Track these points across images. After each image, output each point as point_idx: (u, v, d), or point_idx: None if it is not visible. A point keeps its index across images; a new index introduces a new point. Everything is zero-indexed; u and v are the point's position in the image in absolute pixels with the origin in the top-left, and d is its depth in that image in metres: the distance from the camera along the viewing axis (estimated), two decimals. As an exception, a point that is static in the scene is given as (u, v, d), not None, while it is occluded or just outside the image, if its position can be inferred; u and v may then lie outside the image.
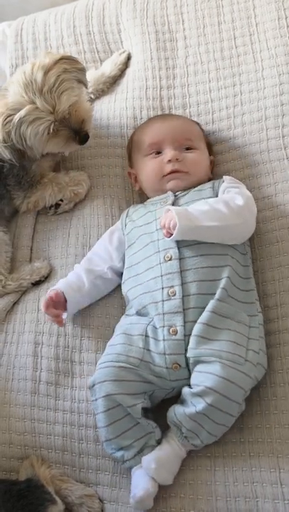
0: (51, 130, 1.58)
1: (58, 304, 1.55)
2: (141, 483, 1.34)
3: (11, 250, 1.79)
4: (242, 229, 1.50)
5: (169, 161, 1.60)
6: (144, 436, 1.38)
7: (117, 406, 1.37)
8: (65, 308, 1.55)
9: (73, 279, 1.59)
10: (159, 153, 1.64)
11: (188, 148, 1.63)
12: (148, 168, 1.64)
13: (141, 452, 1.37)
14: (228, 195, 1.51)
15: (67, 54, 1.72)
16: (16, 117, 1.56)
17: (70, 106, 1.60)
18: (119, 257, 1.61)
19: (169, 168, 1.60)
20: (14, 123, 1.56)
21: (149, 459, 1.33)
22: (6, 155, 1.63)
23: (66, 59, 1.63)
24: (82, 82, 1.67)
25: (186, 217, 1.42)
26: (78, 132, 1.63)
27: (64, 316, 1.56)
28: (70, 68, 1.61)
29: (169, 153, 1.61)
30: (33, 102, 1.55)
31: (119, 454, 1.39)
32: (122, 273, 1.59)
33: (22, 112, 1.56)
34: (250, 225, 1.51)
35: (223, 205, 1.46)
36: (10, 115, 1.57)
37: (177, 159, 1.60)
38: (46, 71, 1.56)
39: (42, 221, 1.81)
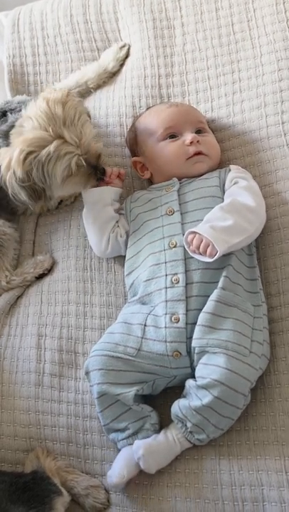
0: (77, 164, 1.49)
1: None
2: (117, 468, 1.36)
3: (19, 248, 1.78)
4: (260, 228, 1.50)
5: (191, 143, 1.57)
6: (139, 420, 1.39)
7: (108, 393, 1.39)
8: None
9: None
10: (173, 137, 1.61)
11: (200, 132, 1.62)
12: (168, 152, 1.60)
13: (135, 435, 1.38)
14: (240, 197, 1.47)
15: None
16: (44, 154, 1.46)
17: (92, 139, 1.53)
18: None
19: (192, 150, 1.57)
20: (41, 160, 1.46)
21: (139, 444, 1.34)
22: (22, 196, 1.53)
23: (69, 93, 1.57)
24: (88, 115, 1.62)
25: (221, 240, 1.37)
26: (96, 168, 1.56)
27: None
28: (77, 101, 1.56)
29: (189, 135, 1.59)
30: (59, 136, 1.46)
31: (114, 435, 1.41)
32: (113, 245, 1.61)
33: (51, 148, 1.46)
34: (264, 219, 1.51)
35: (242, 218, 1.43)
36: (32, 152, 1.47)
37: (198, 141, 1.58)
38: (63, 104, 1.49)
39: (44, 214, 1.80)
